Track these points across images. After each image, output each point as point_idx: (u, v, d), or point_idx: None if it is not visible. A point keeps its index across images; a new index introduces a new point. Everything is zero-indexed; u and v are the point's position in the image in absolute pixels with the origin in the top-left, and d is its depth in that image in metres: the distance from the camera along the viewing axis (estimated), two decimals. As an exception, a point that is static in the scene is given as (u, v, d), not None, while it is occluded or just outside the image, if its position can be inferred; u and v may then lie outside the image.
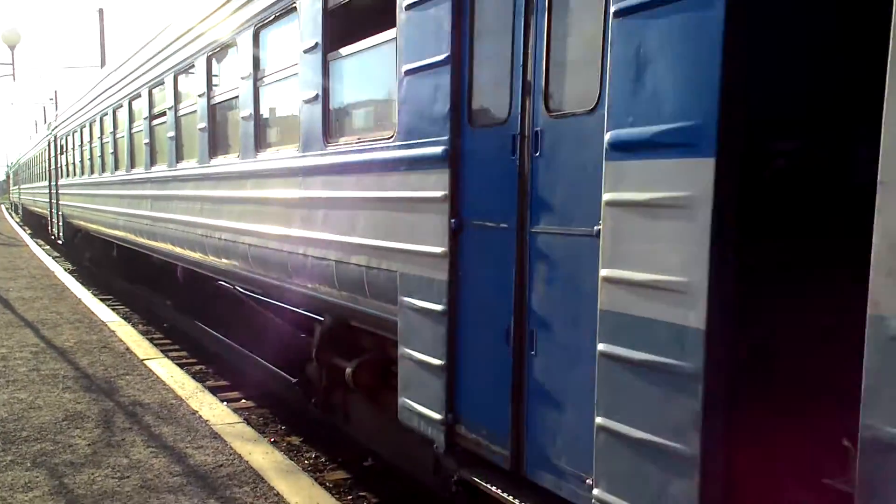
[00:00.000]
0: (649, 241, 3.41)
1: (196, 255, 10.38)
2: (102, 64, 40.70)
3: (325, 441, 7.95)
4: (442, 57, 4.83)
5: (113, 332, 11.64)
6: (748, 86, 3.14)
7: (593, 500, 3.74)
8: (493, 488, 4.49)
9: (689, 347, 3.23)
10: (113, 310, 14.83)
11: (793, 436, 3.22)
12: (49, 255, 26.21)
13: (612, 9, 3.50)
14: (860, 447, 2.64)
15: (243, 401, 9.45)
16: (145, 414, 7.44)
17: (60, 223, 25.65)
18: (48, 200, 29.62)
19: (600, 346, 3.65)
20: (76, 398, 7.98)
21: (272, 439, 7.87)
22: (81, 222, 21.17)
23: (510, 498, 4.36)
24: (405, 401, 5.37)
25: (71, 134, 22.83)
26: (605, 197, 3.60)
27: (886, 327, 2.55)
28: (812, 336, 3.29)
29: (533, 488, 4.29)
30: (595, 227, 3.72)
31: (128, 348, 10.41)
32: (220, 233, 9.07)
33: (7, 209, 77.18)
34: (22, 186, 53.37)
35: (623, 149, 3.49)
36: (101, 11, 44.08)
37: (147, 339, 11.71)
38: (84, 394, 8.15)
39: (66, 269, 21.56)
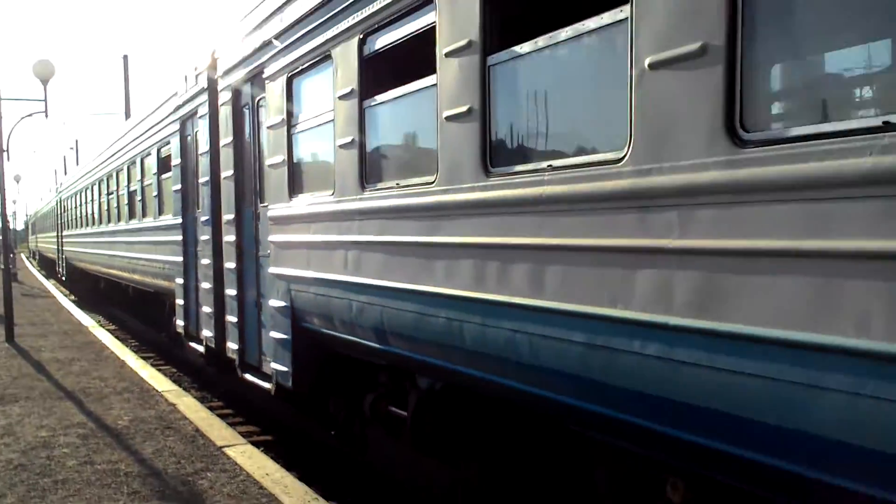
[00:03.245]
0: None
1: (134, 276, 16.81)
2: (126, 111, 39.46)
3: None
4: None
5: (172, 405, 9.68)
6: None
7: (271, 366, 7.99)
8: (257, 381, 8.66)
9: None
10: (158, 370, 12.91)
11: None
12: (78, 307, 24.43)
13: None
14: None
15: None
16: (251, 539, 5.45)
17: (63, 264, 34.85)
18: (56, 247, 38.49)
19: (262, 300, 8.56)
20: (150, 511, 6.01)
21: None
22: (76, 262, 29.01)
23: (261, 382, 8.47)
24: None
25: (69, 198, 31.38)
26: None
27: None
28: None
29: (265, 375, 8.49)
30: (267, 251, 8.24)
31: (197, 429, 8.44)
32: (144, 261, 15.29)
33: (26, 256, 76.06)
34: (38, 236, 64.27)
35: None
36: (125, 58, 43.12)
37: (208, 410, 9.74)
38: None
39: (94, 319, 19.74)
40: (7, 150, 15.61)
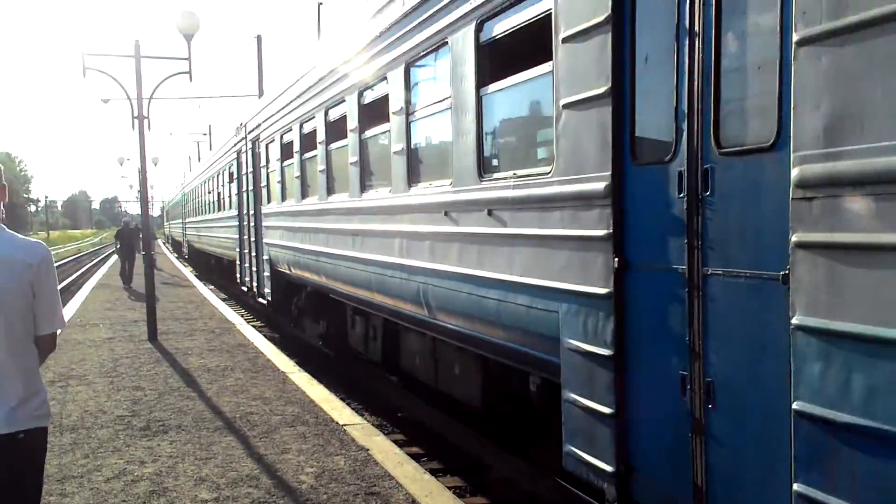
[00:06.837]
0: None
1: (219, 250, 26.57)
2: (260, 92, 38.08)
3: None
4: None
5: (364, 449, 7.24)
6: None
7: (265, 292, 16.19)
8: (263, 301, 16.58)
9: None
10: (318, 381, 10.46)
11: None
12: (217, 296, 22.86)
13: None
14: None
15: None
16: None
17: (186, 245, 45.44)
18: (181, 231, 49.27)
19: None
20: None
21: None
22: (196, 244, 37.57)
23: (264, 301, 16.76)
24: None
25: (190, 192, 41.68)
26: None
27: None
28: None
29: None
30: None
31: (414, 501, 5.93)
32: (223, 238, 24.26)
33: (162, 242, 77.42)
34: (170, 222, 73.20)
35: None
36: (259, 38, 41.94)
37: (415, 462, 7.25)
38: None
39: (221, 299, 17.90)
40: (148, 118, 13.70)
